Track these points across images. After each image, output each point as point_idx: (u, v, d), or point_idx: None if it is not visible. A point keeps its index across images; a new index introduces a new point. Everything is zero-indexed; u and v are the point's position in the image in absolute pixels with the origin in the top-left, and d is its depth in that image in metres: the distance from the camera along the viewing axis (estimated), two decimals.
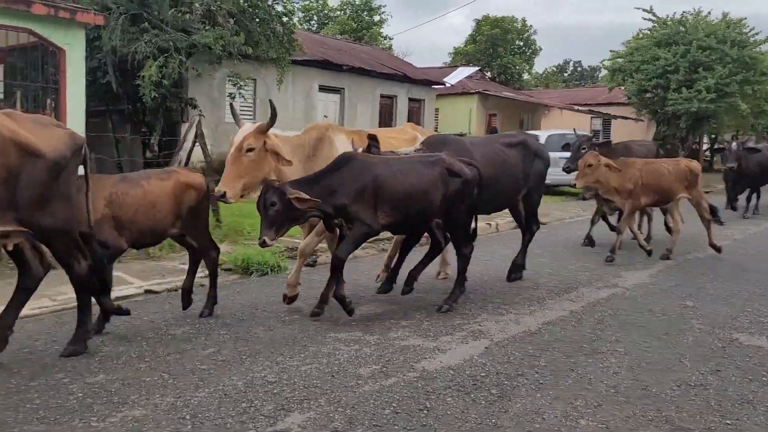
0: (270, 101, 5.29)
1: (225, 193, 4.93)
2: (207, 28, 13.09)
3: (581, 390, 4.03)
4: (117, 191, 4.77)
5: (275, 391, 3.85)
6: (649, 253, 8.39)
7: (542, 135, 17.69)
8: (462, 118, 24.80)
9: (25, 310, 5.46)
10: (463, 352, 4.68)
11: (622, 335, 5.18)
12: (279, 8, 15.00)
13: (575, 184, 8.13)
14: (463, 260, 5.84)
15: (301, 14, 35.84)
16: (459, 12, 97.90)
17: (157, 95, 12.28)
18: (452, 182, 5.44)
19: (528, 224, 7.11)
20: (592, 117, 29.13)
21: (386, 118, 20.77)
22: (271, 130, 5.28)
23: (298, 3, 19.87)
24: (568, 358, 4.61)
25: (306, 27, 35.25)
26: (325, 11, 39.07)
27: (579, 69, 60.95)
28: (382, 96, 20.69)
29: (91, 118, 11.15)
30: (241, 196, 5.17)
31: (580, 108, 27.75)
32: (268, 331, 5.05)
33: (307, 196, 4.80)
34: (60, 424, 3.34)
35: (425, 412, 3.63)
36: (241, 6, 14.00)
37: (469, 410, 3.67)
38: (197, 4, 13.29)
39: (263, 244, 4.83)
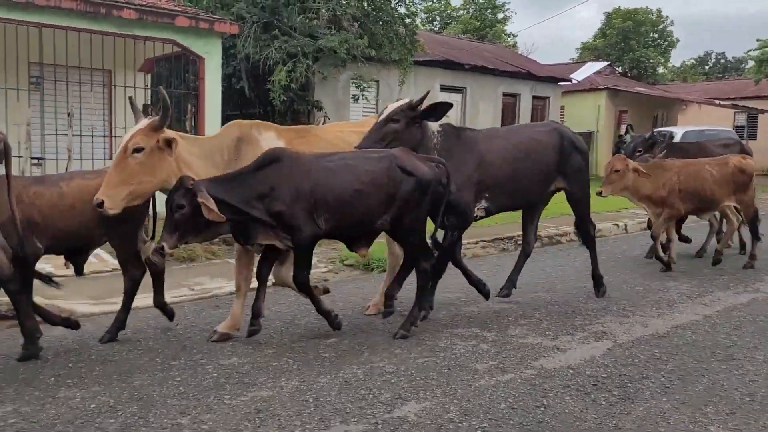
0: (160, 90, 4.37)
1: (102, 202, 4.08)
2: (333, 32, 13.58)
3: (712, 396, 3.80)
4: (28, 192, 4.30)
5: (393, 381, 3.96)
6: (668, 266, 7.36)
7: (678, 131, 16.70)
8: (590, 116, 23.89)
9: (167, 298, 5.98)
10: (583, 352, 4.56)
11: (762, 342, 4.82)
12: (402, 10, 15.26)
13: (601, 193, 6.88)
14: (423, 277, 4.90)
15: (423, 15, 36.19)
16: (587, 5, 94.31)
17: (285, 99, 12.91)
18: (404, 182, 4.59)
19: (583, 230, 6.08)
20: (735, 112, 27.05)
21: (509, 117, 20.47)
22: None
23: (420, 4, 20.10)
24: (699, 363, 4.36)
25: (428, 28, 35.46)
26: (448, 11, 39.11)
27: (722, 61, 56.71)
28: (504, 94, 20.41)
29: (226, 122, 11.91)
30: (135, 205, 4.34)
31: (722, 102, 25.84)
32: (387, 324, 5.18)
33: (215, 208, 4.08)
34: (197, 399, 3.63)
35: (542, 409, 3.58)
36: (365, 10, 14.40)
37: (588, 410, 3.58)
38: (324, 10, 13.82)
39: (161, 250, 4.20)
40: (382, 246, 7.72)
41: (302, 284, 4.60)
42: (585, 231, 6.10)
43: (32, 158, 8.53)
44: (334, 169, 4.48)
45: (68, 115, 7.39)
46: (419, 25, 20.13)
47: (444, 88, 18.65)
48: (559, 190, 5.87)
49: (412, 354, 4.46)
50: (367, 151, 4.74)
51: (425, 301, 5.15)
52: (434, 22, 38.88)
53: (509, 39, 38.64)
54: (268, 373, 4.05)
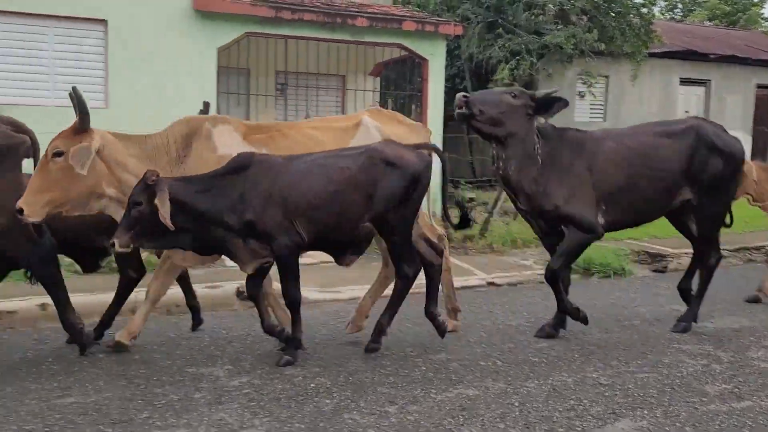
0: (74, 89, 3.95)
1: (22, 209, 3.79)
2: (559, 27, 13.17)
3: None
4: None
5: (606, 393, 3.71)
6: None
7: None
8: None
9: (386, 291, 6.27)
10: None
11: None
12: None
13: None
14: (404, 283, 4.34)
15: (663, 3, 33.46)
16: None
17: None
18: (387, 176, 4.07)
19: (701, 253, 5.14)
20: None
21: (763, 111, 18.08)
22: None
23: None
24: None
25: (668, 17, 32.71)
26: None
27: None
28: (759, 86, 18.06)
29: (449, 121, 12.16)
30: (62, 213, 3.99)
31: None
32: (604, 334, 4.88)
33: (167, 215, 3.65)
34: (405, 390, 3.74)
35: None
36: (595, 2, 13.73)
37: None
38: (551, 5, 13.46)
39: (111, 246, 3.83)
40: (604, 250, 7.33)
41: (294, 301, 4.13)
42: (702, 255, 5.13)
43: None
44: (307, 171, 4.05)
45: (306, 117, 8.12)
46: (656, 14, 18.64)
47: (684, 82, 17.10)
48: (685, 202, 4.89)
49: (631, 367, 4.15)
50: (346, 148, 4.34)
51: (392, 316, 4.45)
52: (675, 10, 35.72)
53: (766, 24, 34.11)
54: (475, 372, 4.04)
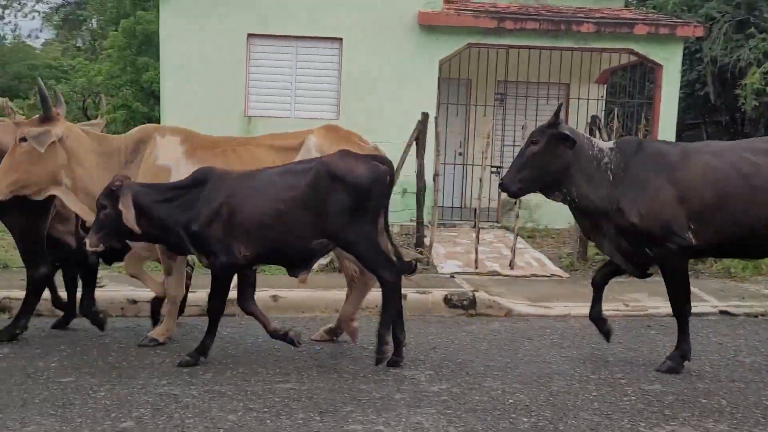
0: (38, 80, 4.47)
1: None
2: None
3: None
4: None
5: None
6: None
7: None
8: None
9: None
10: None
11: None
12: None
13: None
14: (390, 289, 4.15)
15: None
16: None
17: (758, 104, 11.40)
18: (335, 191, 4.02)
19: None
20: None
21: None
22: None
23: None
24: None
25: None
26: None
27: None
28: None
29: (686, 130, 11.18)
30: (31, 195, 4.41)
31: None
32: None
33: (130, 212, 3.95)
34: (610, 419, 3.50)
35: None
36: None
37: None
38: None
39: (83, 245, 4.20)
40: None
41: (214, 311, 4.25)
42: None
43: (491, 167, 9.49)
44: (257, 189, 4.12)
45: (522, 128, 8.01)
46: None
47: None
48: None
49: None
50: (298, 162, 4.35)
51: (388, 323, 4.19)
52: None
53: None
54: (693, 410, 3.65)
